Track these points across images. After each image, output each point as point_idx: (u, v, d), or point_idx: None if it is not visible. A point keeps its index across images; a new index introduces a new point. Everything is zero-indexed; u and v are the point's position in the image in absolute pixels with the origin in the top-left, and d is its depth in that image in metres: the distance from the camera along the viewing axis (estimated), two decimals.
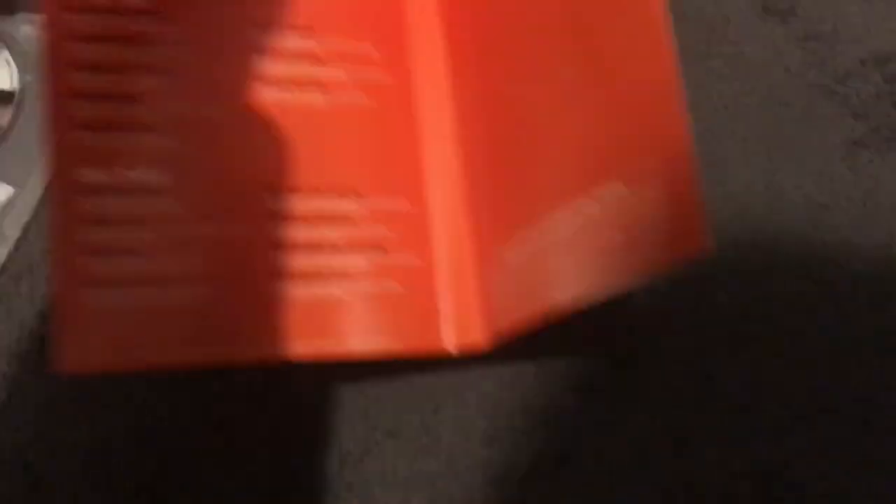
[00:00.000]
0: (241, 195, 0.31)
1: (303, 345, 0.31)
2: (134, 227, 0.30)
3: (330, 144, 0.33)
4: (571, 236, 0.29)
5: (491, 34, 0.34)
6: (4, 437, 0.37)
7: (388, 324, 0.32)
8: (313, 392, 0.38)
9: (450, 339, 0.34)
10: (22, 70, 0.49)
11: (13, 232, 0.43)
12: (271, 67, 0.33)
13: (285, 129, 0.33)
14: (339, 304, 0.31)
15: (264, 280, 0.31)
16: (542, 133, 0.31)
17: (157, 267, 0.30)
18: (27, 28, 0.51)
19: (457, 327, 0.34)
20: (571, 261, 0.29)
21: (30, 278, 0.41)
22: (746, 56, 0.49)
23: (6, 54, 0.50)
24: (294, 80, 0.33)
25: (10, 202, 0.44)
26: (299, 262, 0.31)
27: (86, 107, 0.31)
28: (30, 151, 0.46)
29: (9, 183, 0.45)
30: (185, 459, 0.37)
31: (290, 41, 0.34)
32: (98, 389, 0.37)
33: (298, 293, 0.31)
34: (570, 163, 0.30)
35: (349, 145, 0.34)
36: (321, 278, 0.31)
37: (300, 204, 0.32)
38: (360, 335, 0.32)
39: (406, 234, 0.34)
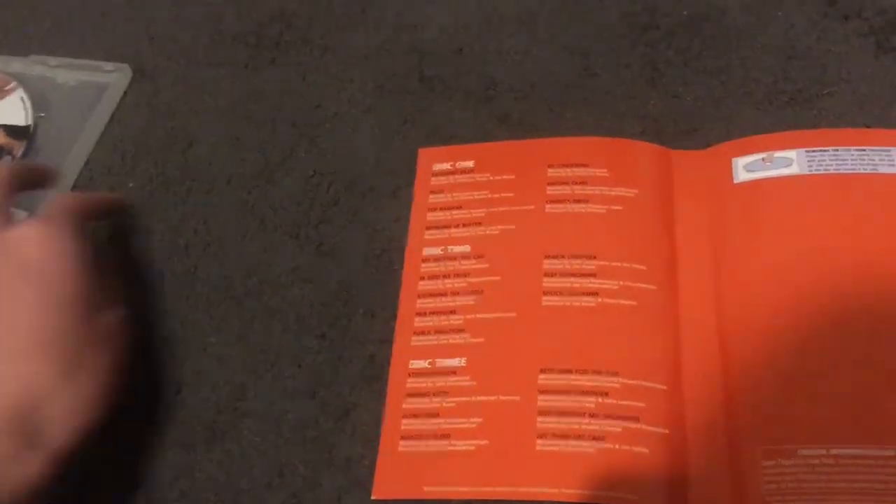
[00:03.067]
0: (520, 374, 0.40)
1: (556, 488, 0.38)
2: (439, 397, 0.41)
3: (596, 336, 0.41)
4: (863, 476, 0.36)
5: (762, 286, 0.41)
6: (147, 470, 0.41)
7: (634, 480, 0.37)
8: None
9: None
10: (35, 107, 0.54)
11: None
12: (555, 283, 0.43)
13: (560, 325, 0.41)
14: (590, 458, 0.38)
15: (530, 437, 0.39)
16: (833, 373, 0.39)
17: (450, 425, 0.40)
18: (40, 68, 0.56)
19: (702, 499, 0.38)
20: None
21: (166, 323, 0.44)
22: (861, 94, 0.49)
23: (21, 92, 0.55)
24: (572, 290, 0.42)
25: None
26: (559, 424, 0.39)
27: (421, 320, 0.43)
28: None
29: (22, 209, 0.49)
30: None
31: (575, 264, 0.43)
32: None
33: (557, 449, 0.38)
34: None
35: (613, 336, 0.41)
36: (576, 437, 0.38)
37: (566, 381, 0.40)
38: (602, 488, 0.37)
39: (659, 409, 0.39)
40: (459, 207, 0.46)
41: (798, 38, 0.52)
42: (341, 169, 0.50)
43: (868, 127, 0.48)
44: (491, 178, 0.47)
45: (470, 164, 0.48)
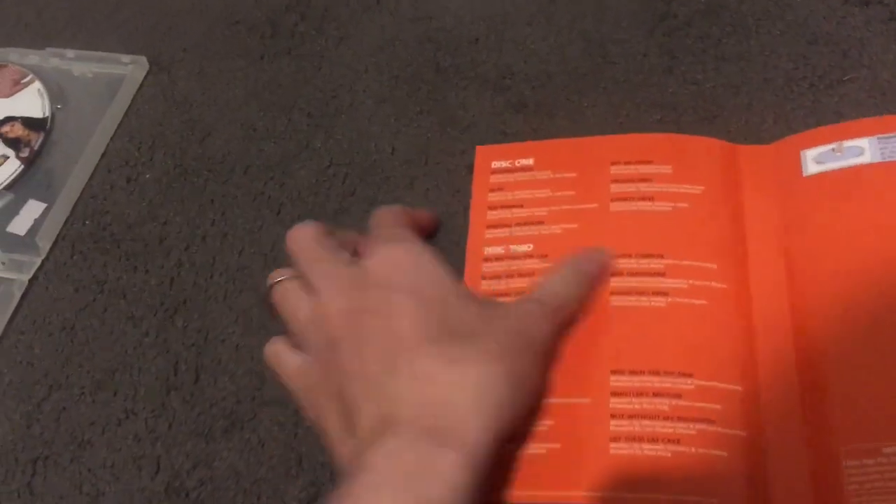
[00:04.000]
0: (590, 376, 0.39)
1: (633, 493, 0.36)
2: None
3: (667, 336, 0.39)
4: None
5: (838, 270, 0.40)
6: (165, 459, 0.41)
7: (712, 483, 0.36)
8: None
9: None
10: (52, 99, 0.54)
11: (45, 244, 0.48)
12: (623, 282, 0.41)
13: (630, 326, 0.40)
14: (665, 462, 0.36)
15: (603, 441, 0.37)
16: None
17: None
18: (56, 61, 0.56)
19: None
20: None
21: (184, 313, 0.45)
22: (884, 80, 0.48)
23: (38, 85, 0.55)
24: (640, 290, 0.41)
25: (42, 217, 0.48)
26: (632, 427, 0.37)
27: None
28: (58, 172, 0.50)
29: (40, 200, 0.49)
30: None
31: (643, 263, 0.42)
32: None
33: (632, 452, 0.37)
34: None
35: (685, 336, 0.39)
36: (651, 441, 0.37)
37: (638, 383, 0.38)
38: (680, 492, 0.36)
39: (734, 411, 0.38)
40: (521, 206, 0.45)
41: (818, 23, 0.51)
42: (357, 159, 0.49)
43: (892, 113, 0.48)
44: (552, 175, 0.45)
45: (529, 161, 0.46)
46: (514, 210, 0.45)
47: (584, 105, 0.50)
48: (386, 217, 0.41)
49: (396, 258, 0.37)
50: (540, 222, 0.44)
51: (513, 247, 0.43)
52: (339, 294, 0.36)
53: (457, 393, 0.32)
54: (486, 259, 0.43)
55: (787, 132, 0.47)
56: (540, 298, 0.38)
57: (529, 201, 0.45)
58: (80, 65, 0.56)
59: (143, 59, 0.55)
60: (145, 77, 0.55)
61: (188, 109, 0.53)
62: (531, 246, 0.43)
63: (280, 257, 0.46)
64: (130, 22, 0.58)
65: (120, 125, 0.53)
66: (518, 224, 0.44)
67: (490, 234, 0.44)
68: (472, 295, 0.38)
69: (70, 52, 0.56)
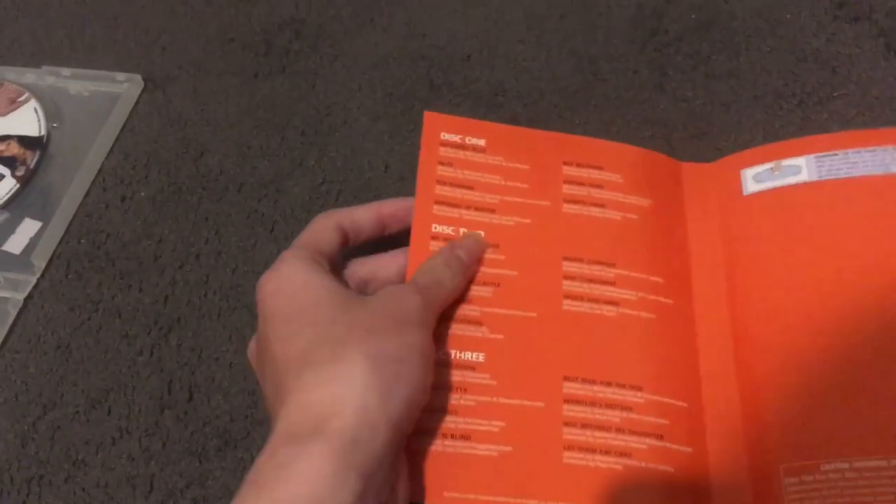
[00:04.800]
0: (543, 379, 0.38)
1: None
2: (457, 393, 0.38)
3: (618, 347, 0.40)
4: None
5: (774, 289, 0.41)
6: (159, 478, 0.41)
7: (660, 499, 0.36)
8: None
9: None
10: (48, 118, 0.55)
11: (41, 263, 0.48)
12: (575, 287, 0.41)
13: (582, 332, 0.40)
14: (617, 475, 0.37)
15: (556, 448, 0.37)
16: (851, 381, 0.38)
17: (470, 426, 0.37)
18: (52, 79, 0.56)
19: None
20: None
21: (178, 332, 0.45)
22: (872, 97, 0.49)
23: (34, 103, 0.55)
24: (593, 297, 0.41)
25: (38, 236, 0.49)
26: (585, 437, 0.37)
27: None
28: (54, 190, 0.51)
29: (36, 219, 0.50)
30: None
31: (595, 270, 0.41)
32: None
33: (584, 463, 0.37)
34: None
35: (634, 349, 0.40)
36: (603, 453, 0.37)
37: (591, 392, 0.38)
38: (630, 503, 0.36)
39: (681, 426, 0.38)
40: (471, 188, 0.43)
41: (807, 40, 0.52)
42: (351, 176, 0.50)
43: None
44: (504, 162, 0.44)
45: (481, 142, 0.45)
46: (465, 191, 0.43)
47: (576, 122, 0.50)
48: (303, 235, 0.40)
49: (273, 287, 0.36)
50: (492, 210, 0.43)
51: (463, 230, 0.42)
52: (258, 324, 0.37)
53: (324, 390, 0.32)
54: (434, 237, 0.41)
55: None
56: (409, 281, 0.38)
57: (481, 185, 0.43)
58: (76, 83, 0.56)
59: (139, 77, 0.55)
60: (141, 95, 0.55)
61: (183, 127, 0.53)
62: (482, 234, 0.42)
63: None
64: (126, 40, 0.58)
65: (115, 143, 0.53)
66: (468, 207, 0.42)
67: (439, 210, 0.42)
68: (348, 294, 0.36)
69: (66, 71, 0.56)
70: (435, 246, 0.41)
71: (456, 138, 0.45)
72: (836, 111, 0.49)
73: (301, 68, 0.55)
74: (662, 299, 0.41)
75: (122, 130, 0.54)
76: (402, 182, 0.49)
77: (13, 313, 0.46)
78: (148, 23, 0.59)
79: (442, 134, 0.45)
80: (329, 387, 0.32)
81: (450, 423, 0.37)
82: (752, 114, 0.49)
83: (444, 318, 0.39)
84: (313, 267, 0.37)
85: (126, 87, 0.55)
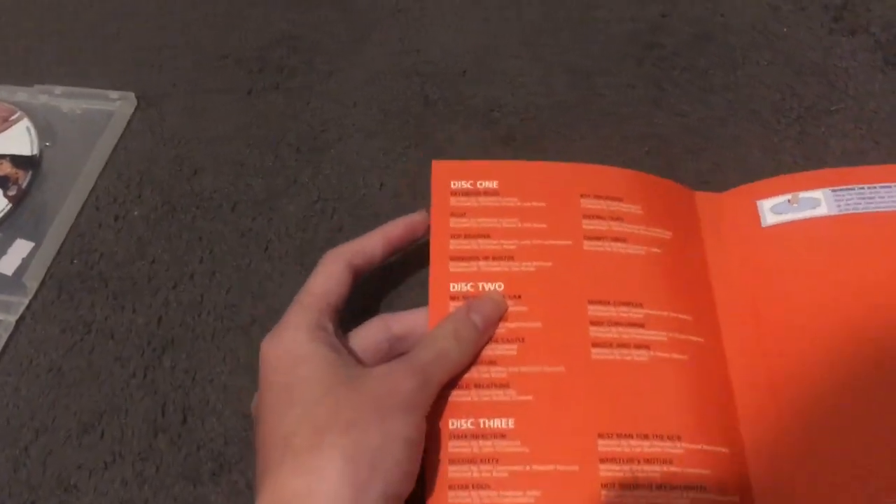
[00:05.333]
0: (576, 439, 0.36)
1: None
2: (488, 465, 0.36)
3: (652, 395, 0.37)
4: None
5: (802, 326, 0.40)
6: (151, 501, 0.40)
7: None
8: None
9: None
10: (41, 137, 0.54)
11: (33, 284, 0.47)
12: (603, 333, 0.39)
13: (613, 383, 0.37)
14: None
15: None
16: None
17: (504, 499, 0.35)
18: (45, 98, 0.56)
19: None
20: None
21: (172, 353, 0.44)
22: (870, 110, 0.48)
23: (27, 122, 0.55)
24: (622, 342, 0.38)
25: (30, 256, 0.48)
26: (624, 498, 0.35)
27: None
28: (46, 210, 0.50)
29: (28, 239, 0.49)
30: None
31: (622, 312, 0.39)
32: None
33: None
34: None
35: (669, 395, 0.37)
36: None
37: (627, 448, 0.36)
38: None
39: (724, 474, 0.36)
40: (487, 236, 0.41)
41: (804, 54, 0.52)
42: (346, 194, 0.49)
43: (878, 144, 0.48)
44: (519, 203, 0.42)
45: (493, 184, 0.43)
46: (481, 241, 0.41)
47: (573, 138, 0.50)
48: (312, 281, 0.39)
49: (273, 355, 0.36)
50: (510, 257, 0.40)
51: (483, 284, 0.40)
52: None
53: (300, 480, 0.32)
54: (453, 297, 0.39)
55: (774, 164, 0.47)
56: (410, 355, 0.36)
57: (497, 231, 0.41)
58: (69, 101, 0.56)
59: (132, 95, 0.55)
60: (134, 113, 0.55)
61: (176, 145, 0.53)
62: (502, 284, 0.40)
63: (268, 294, 0.46)
64: (119, 58, 0.58)
65: (108, 162, 0.53)
66: (486, 258, 0.40)
67: (455, 267, 0.40)
68: (342, 369, 0.35)
69: (58, 89, 0.56)
70: (454, 307, 0.39)
71: (467, 185, 0.43)
72: (833, 125, 0.48)
73: (295, 85, 0.55)
74: (693, 338, 0.39)
75: (115, 149, 0.53)
76: (398, 199, 0.49)
77: (4, 336, 0.46)
78: (141, 40, 0.59)
79: (452, 183, 0.43)
80: (305, 478, 0.32)
81: (484, 498, 0.35)
82: (749, 128, 0.49)
83: (471, 384, 0.37)
84: (315, 335, 0.36)
85: (119, 105, 0.55)
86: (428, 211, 0.42)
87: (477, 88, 0.53)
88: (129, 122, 0.54)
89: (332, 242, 0.47)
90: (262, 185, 0.50)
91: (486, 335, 0.38)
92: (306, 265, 0.47)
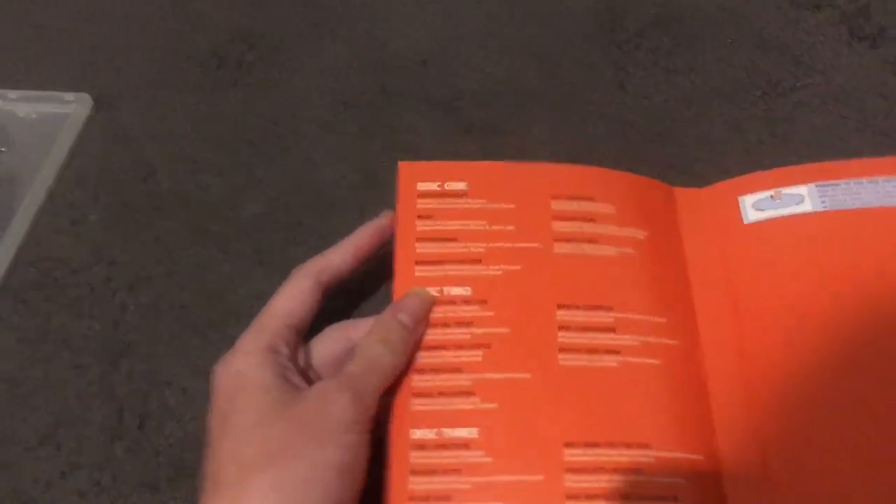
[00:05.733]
0: (541, 449, 0.35)
1: None
2: (450, 476, 0.34)
3: (621, 402, 0.36)
4: None
5: (787, 330, 0.38)
6: None
7: None
8: None
9: None
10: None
11: None
12: (571, 338, 0.37)
13: (581, 390, 0.36)
14: None
15: None
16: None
17: None
18: (0, 102, 0.55)
19: None
20: None
21: (129, 358, 0.43)
22: (836, 85, 0.47)
23: None
24: (591, 347, 0.37)
25: None
26: None
27: (421, 379, 0.37)
28: (1, 217, 0.49)
29: None
30: None
31: (592, 317, 0.38)
32: None
33: None
34: None
35: (640, 402, 0.36)
36: None
37: (594, 457, 0.35)
38: None
39: (698, 483, 0.34)
40: (454, 239, 0.40)
41: (769, 30, 0.51)
42: (304, 190, 0.48)
43: (845, 119, 0.47)
44: (488, 205, 0.41)
45: (462, 185, 0.41)
46: (448, 244, 0.40)
47: (536, 124, 0.49)
48: (277, 300, 0.38)
49: (220, 380, 0.35)
50: (477, 261, 0.39)
51: (448, 289, 0.38)
52: None
53: None
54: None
55: (741, 143, 0.47)
56: (342, 371, 0.35)
57: (464, 234, 0.40)
58: (24, 105, 0.55)
59: (87, 97, 0.54)
60: (90, 115, 0.54)
61: (133, 146, 0.52)
62: (469, 289, 0.38)
63: (227, 295, 0.45)
64: (75, 59, 0.57)
65: (65, 165, 0.51)
66: (453, 262, 0.39)
67: (420, 272, 0.39)
68: (280, 396, 0.34)
69: (13, 94, 0.55)
70: None
71: (434, 186, 0.41)
72: (800, 101, 0.47)
73: (254, 81, 0.54)
74: (667, 341, 0.38)
75: (71, 152, 0.52)
76: (357, 192, 0.48)
77: None
78: (97, 41, 0.58)
79: (419, 184, 0.42)
80: None
81: None
82: (714, 108, 0.48)
83: (435, 392, 0.36)
84: (265, 360, 0.35)
85: (75, 107, 0.53)
86: (393, 211, 0.41)
87: (438, 78, 0.52)
88: (85, 125, 0.53)
89: (291, 240, 0.47)
90: (220, 184, 0.49)
91: (417, 333, 0.37)
92: (266, 264, 0.46)
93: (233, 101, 0.53)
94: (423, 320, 0.37)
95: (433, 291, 0.38)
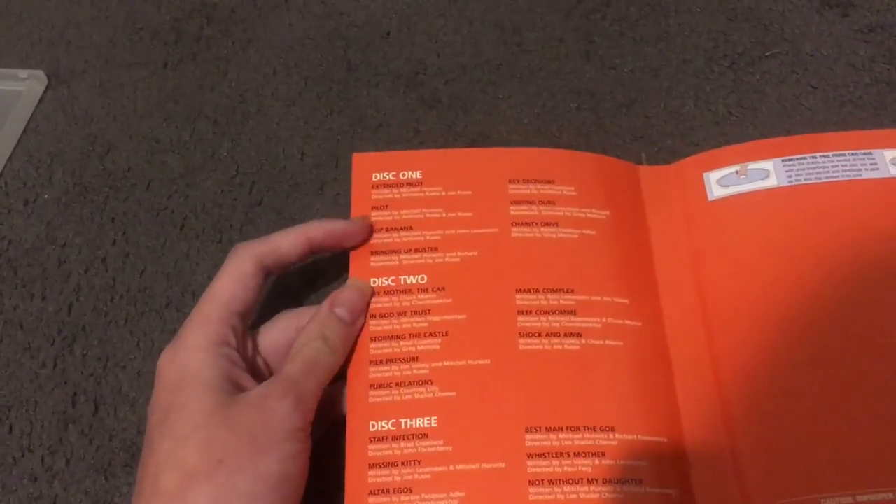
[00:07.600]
0: (502, 435, 0.34)
1: None
2: (409, 467, 0.34)
3: (584, 385, 0.35)
4: None
5: (752, 301, 0.37)
6: (63, 498, 0.38)
7: None
8: None
9: None
10: None
11: None
12: (531, 322, 0.37)
13: (542, 374, 0.35)
14: None
15: None
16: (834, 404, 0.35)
17: (424, 503, 0.33)
18: None
19: None
20: None
21: (83, 340, 0.42)
22: (806, 54, 0.46)
23: None
24: (552, 331, 0.36)
25: None
26: (554, 495, 0.33)
27: (377, 370, 0.36)
28: None
29: None
30: None
31: (552, 300, 0.37)
32: None
33: None
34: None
35: (602, 384, 0.35)
36: None
37: (556, 442, 0.34)
38: None
39: (662, 466, 0.34)
40: (410, 228, 0.39)
41: None
42: (265, 166, 0.47)
43: (815, 88, 0.46)
44: (444, 192, 0.40)
45: (417, 174, 0.41)
46: (403, 234, 0.39)
47: (500, 97, 0.48)
48: (217, 283, 0.36)
49: (165, 371, 0.34)
50: (433, 248, 0.39)
51: (404, 278, 0.38)
52: None
53: None
54: (375, 293, 0.38)
55: (709, 115, 0.46)
56: (282, 371, 0.34)
57: (420, 222, 0.40)
58: None
59: (41, 74, 0.52)
60: (44, 92, 0.52)
61: (88, 124, 0.50)
62: (424, 277, 0.38)
63: (184, 274, 0.44)
64: (29, 35, 0.55)
65: (18, 144, 0.50)
66: (408, 251, 0.39)
67: (376, 262, 0.39)
68: (224, 397, 0.33)
69: None
70: (376, 304, 0.37)
71: (389, 176, 0.41)
72: (769, 71, 0.47)
73: (212, 55, 0.52)
74: (629, 322, 0.37)
75: (25, 130, 0.51)
76: (319, 169, 0.47)
77: None
78: (52, 16, 0.56)
79: (374, 175, 0.41)
80: None
81: (406, 503, 0.33)
82: (682, 78, 0.47)
83: (392, 383, 0.36)
84: (212, 352, 0.34)
85: (28, 84, 0.52)
86: (361, 220, 0.40)
87: (401, 51, 0.51)
88: (39, 102, 0.52)
89: (250, 218, 0.46)
90: (179, 161, 0.48)
91: (356, 327, 0.36)
92: (224, 243, 0.45)
93: (191, 76, 0.51)
94: (361, 313, 0.37)
95: (388, 281, 0.38)
